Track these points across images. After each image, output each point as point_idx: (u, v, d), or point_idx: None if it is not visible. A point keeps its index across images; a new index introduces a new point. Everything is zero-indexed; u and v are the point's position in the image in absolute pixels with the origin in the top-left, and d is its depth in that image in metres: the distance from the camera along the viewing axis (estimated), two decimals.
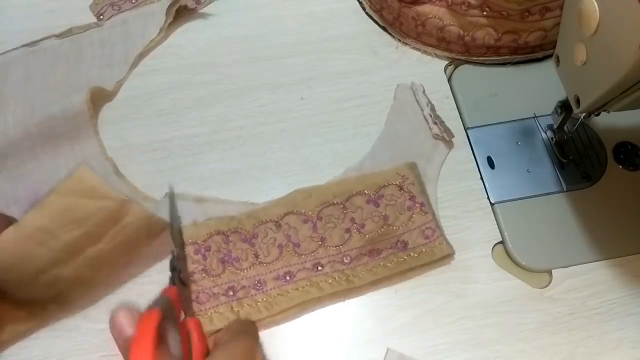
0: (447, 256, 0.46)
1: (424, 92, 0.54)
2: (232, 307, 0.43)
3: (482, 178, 0.50)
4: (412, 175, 0.49)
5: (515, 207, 0.49)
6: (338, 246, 0.46)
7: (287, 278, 0.44)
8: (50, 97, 0.53)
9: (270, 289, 0.44)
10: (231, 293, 0.44)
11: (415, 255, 0.46)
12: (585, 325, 0.44)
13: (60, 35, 0.57)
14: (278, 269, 0.45)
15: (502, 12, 0.53)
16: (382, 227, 0.46)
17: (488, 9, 0.53)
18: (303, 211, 0.47)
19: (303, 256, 0.45)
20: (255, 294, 0.44)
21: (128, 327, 0.34)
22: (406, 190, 0.48)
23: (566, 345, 0.44)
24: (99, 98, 0.53)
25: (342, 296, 0.45)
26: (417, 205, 0.48)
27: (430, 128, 0.52)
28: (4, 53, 0.55)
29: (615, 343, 0.44)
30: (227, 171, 0.51)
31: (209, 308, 0.43)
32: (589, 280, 0.46)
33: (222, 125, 0.53)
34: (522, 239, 0.47)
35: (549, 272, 0.47)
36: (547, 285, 0.46)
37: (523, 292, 0.46)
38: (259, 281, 0.44)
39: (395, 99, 0.54)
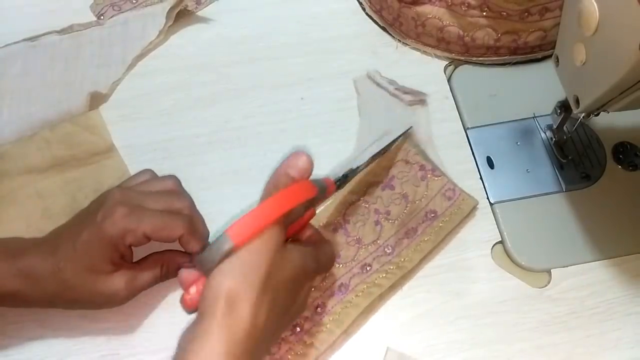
0: (474, 209, 0.48)
1: (380, 75, 0.54)
2: (305, 342, 0.42)
3: (481, 178, 0.50)
4: (411, 146, 0.50)
5: (515, 207, 0.49)
6: (375, 241, 0.46)
7: (343, 290, 0.44)
8: (46, 95, 0.53)
9: (333, 307, 0.44)
10: (298, 329, 0.43)
11: (447, 219, 0.47)
12: (584, 324, 0.44)
13: (61, 32, 0.57)
14: (330, 286, 0.45)
15: (502, 13, 0.53)
16: (406, 207, 0.47)
17: (488, 9, 0.53)
18: (329, 221, 0.47)
19: (347, 264, 0.45)
20: (321, 319, 0.43)
21: (296, 171, 0.37)
22: (413, 162, 0.49)
23: (565, 345, 0.44)
24: (94, 101, 0.53)
25: (399, 285, 0.45)
26: (428, 172, 0.48)
27: (402, 99, 0.53)
28: (4, 46, 0.55)
29: (614, 343, 0.44)
30: (227, 171, 0.51)
31: (284, 353, 0.42)
32: (588, 280, 0.46)
33: (222, 125, 0.53)
34: (521, 239, 0.47)
35: (548, 272, 0.47)
36: (546, 285, 0.46)
37: (522, 292, 0.46)
38: (317, 306, 0.44)
39: (359, 93, 0.54)
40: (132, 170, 0.50)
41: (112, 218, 0.37)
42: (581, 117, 0.44)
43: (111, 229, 0.37)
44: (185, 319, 0.44)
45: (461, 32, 0.54)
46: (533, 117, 0.53)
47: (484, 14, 0.53)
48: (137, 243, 0.39)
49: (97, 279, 0.38)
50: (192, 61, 0.57)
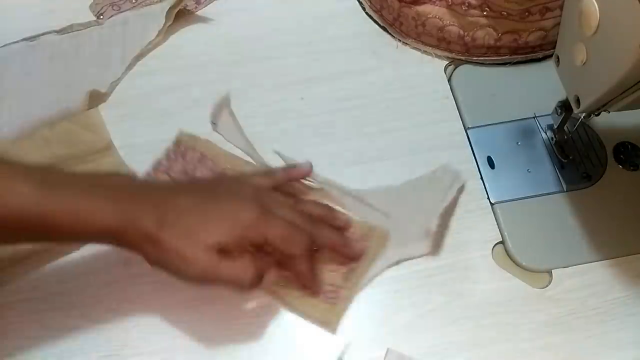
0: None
1: (460, 189, 0.49)
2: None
3: (482, 178, 0.50)
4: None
5: (515, 207, 0.49)
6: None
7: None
8: (46, 94, 0.53)
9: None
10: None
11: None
12: (586, 325, 0.44)
13: (60, 31, 0.57)
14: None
15: (502, 12, 0.53)
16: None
17: (488, 9, 0.53)
18: None
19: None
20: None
21: None
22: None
23: (566, 345, 0.44)
24: (93, 100, 0.53)
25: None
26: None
27: (429, 221, 0.46)
28: (4, 46, 0.56)
29: (615, 343, 0.44)
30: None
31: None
32: (589, 280, 0.46)
33: None
34: (522, 239, 0.47)
35: (549, 272, 0.47)
36: (547, 285, 0.46)
37: (523, 292, 0.46)
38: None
39: (434, 174, 0.49)
40: (132, 171, 0.50)
41: (239, 215, 0.38)
42: (582, 117, 0.44)
43: (234, 225, 0.38)
44: (183, 321, 0.44)
45: (461, 32, 0.54)
46: (534, 117, 0.53)
47: (485, 13, 0.53)
48: (254, 243, 0.39)
49: (194, 256, 0.37)
50: (192, 61, 0.57)
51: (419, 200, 0.48)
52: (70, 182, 0.38)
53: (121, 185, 0.40)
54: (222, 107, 0.53)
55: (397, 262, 0.46)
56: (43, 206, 0.36)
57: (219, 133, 0.52)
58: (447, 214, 0.47)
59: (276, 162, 0.51)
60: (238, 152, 0.51)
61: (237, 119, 0.53)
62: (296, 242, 0.40)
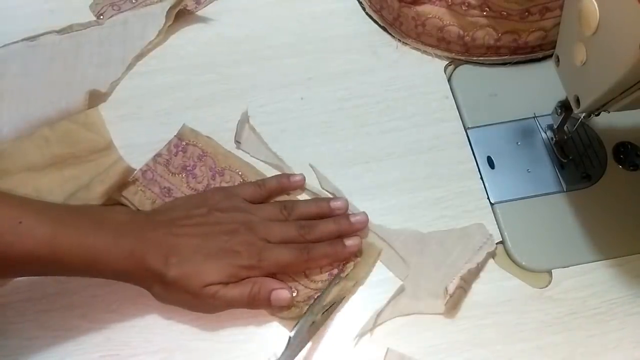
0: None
1: (490, 254, 0.47)
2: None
3: (482, 178, 0.50)
4: None
5: (515, 207, 0.49)
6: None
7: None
8: (46, 94, 0.53)
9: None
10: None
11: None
12: (585, 325, 0.44)
13: (60, 31, 0.57)
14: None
15: (502, 12, 0.53)
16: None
17: (488, 9, 0.53)
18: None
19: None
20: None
21: None
22: None
23: (566, 345, 0.44)
24: (93, 99, 0.53)
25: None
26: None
27: (449, 280, 0.44)
28: (4, 46, 0.56)
29: (615, 343, 0.44)
30: None
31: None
32: (589, 280, 0.46)
33: (222, 125, 0.53)
34: (522, 239, 0.47)
35: (549, 272, 0.47)
36: (547, 285, 0.46)
37: (523, 292, 0.46)
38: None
39: (465, 231, 0.47)
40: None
41: (232, 258, 0.41)
42: (582, 117, 0.44)
43: (228, 265, 0.41)
44: (183, 321, 0.44)
45: (461, 32, 0.54)
46: (533, 117, 0.53)
47: (484, 13, 0.53)
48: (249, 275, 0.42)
49: (198, 292, 0.41)
50: (192, 61, 0.57)
51: (443, 254, 0.46)
52: (78, 219, 0.40)
53: (126, 222, 0.42)
54: (242, 124, 0.52)
55: (407, 314, 0.44)
56: (54, 247, 0.38)
57: (244, 151, 0.51)
58: (470, 276, 0.45)
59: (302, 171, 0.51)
60: (263, 166, 0.51)
61: (237, 119, 0.53)
62: (289, 268, 0.44)
